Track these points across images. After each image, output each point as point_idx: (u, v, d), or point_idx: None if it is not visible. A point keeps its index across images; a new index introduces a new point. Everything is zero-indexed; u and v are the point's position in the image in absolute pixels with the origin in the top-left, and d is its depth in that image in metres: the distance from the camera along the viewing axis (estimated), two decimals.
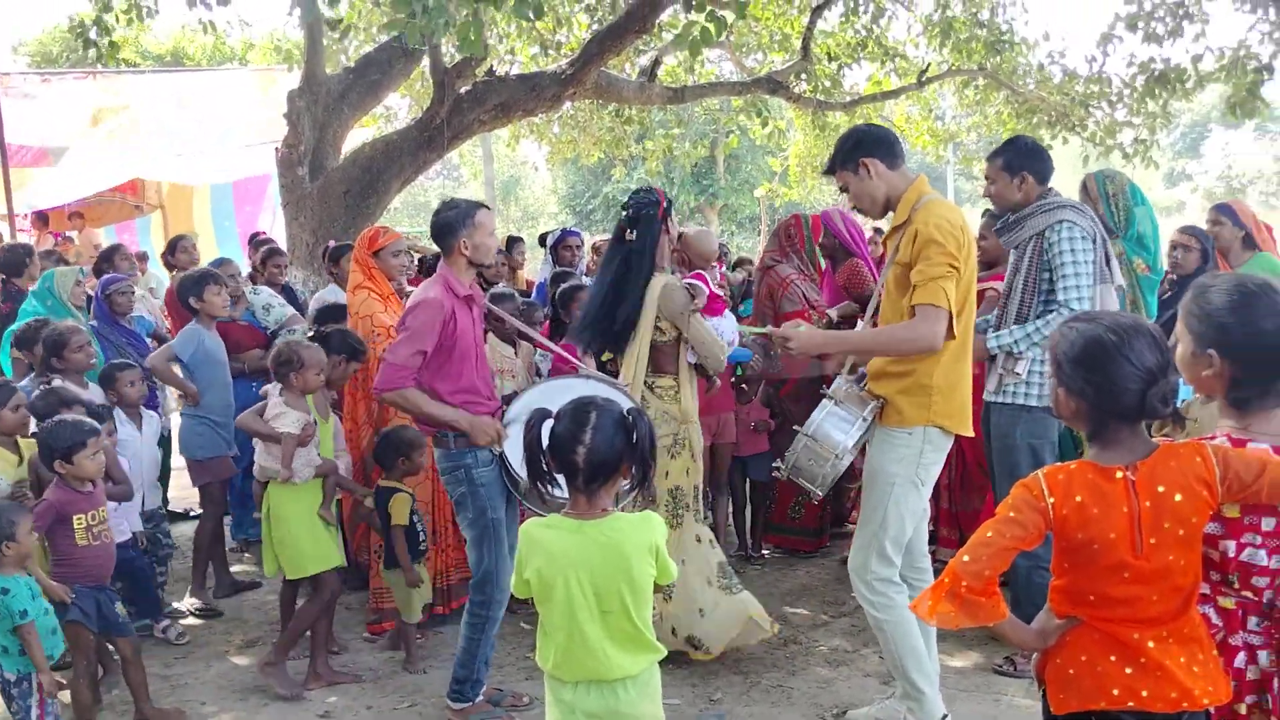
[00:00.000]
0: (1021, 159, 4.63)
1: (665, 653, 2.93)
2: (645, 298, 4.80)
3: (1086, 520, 2.33)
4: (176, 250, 8.21)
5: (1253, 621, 2.44)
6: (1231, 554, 2.40)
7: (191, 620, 5.82)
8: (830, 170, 4.15)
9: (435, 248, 4.90)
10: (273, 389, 5.05)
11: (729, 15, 7.20)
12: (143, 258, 15.51)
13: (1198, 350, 2.44)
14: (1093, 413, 2.38)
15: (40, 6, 35.31)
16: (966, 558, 2.36)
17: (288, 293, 7.89)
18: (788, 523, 6.68)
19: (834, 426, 3.92)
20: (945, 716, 4.06)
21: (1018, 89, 12.63)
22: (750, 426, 6.50)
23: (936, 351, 3.80)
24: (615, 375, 4.91)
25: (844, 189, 4.10)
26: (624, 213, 4.88)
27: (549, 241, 8.15)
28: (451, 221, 4.37)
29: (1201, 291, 2.47)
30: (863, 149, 3.98)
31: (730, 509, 6.86)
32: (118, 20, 9.84)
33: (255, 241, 8.26)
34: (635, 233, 4.82)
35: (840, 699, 4.59)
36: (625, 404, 2.89)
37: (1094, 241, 4.48)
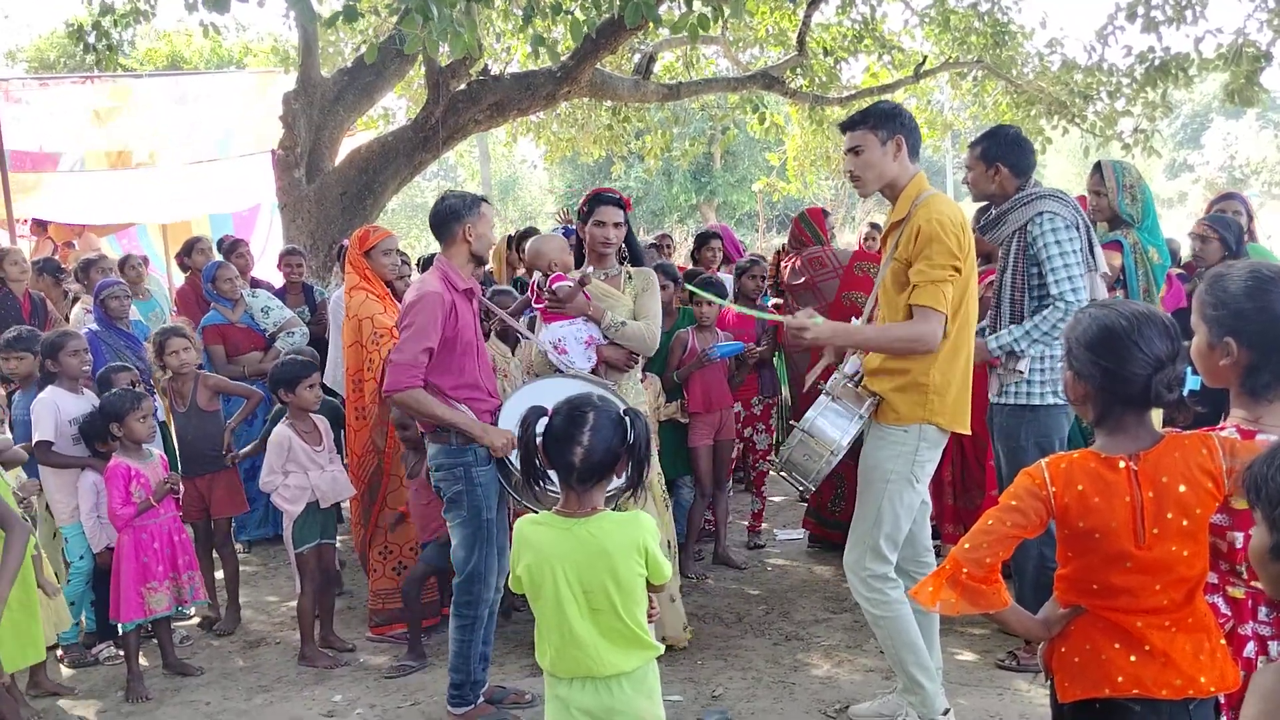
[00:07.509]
0: (999, 149, 4.50)
1: (661, 650, 2.93)
2: None
3: (1088, 509, 2.32)
4: (193, 251, 8.22)
5: (1263, 612, 2.41)
6: (1240, 545, 2.37)
7: (193, 622, 5.83)
8: (855, 125, 3.94)
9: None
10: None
11: (726, 8, 7.20)
12: (144, 261, 15.57)
13: (1214, 339, 2.40)
14: (1100, 397, 2.37)
15: (37, 13, 35.37)
16: (967, 545, 2.36)
17: (307, 292, 7.91)
18: (826, 514, 6.58)
19: (829, 423, 3.90)
20: (947, 710, 4.04)
21: (1015, 80, 12.61)
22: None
23: (932, 352, 3.79)
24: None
25: (854, 150, 3.93)
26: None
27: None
28: (456, 208, 4.36)
29: (1216, 280, 2.44)
30: (898, 124, 3.88)
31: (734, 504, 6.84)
32: (115, 24, 9.84)
33: (224, 246, 8.27)
34: None
35: (843, 694, 4.57)
36: (619, 404, 2.89)
37: (1077, 229, 4.37)
